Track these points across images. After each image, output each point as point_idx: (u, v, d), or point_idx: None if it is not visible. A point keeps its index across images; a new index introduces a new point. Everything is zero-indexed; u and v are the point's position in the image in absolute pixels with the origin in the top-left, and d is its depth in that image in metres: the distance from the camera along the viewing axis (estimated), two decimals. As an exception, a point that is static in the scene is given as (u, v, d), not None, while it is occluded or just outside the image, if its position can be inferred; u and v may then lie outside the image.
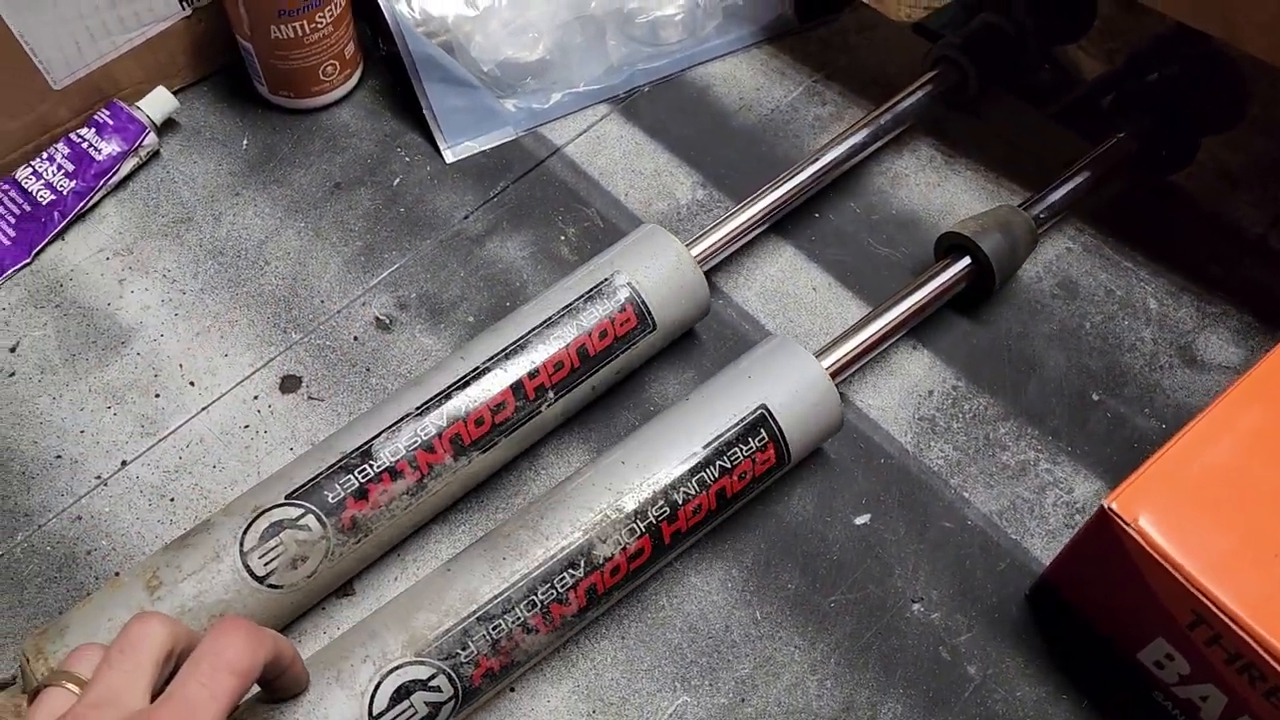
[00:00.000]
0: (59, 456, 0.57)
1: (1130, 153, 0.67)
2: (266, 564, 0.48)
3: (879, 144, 0.67)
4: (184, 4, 0.67)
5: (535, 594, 0.47)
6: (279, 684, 0.41)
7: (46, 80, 0.64)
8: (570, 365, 0.54)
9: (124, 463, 0.57)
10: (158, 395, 0.59)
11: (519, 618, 0.46)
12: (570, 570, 0.47)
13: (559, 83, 0.71)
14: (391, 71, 0.73)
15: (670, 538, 0.49)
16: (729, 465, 0.50)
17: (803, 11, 0.76)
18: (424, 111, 0.69)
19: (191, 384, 0.60)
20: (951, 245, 0.62)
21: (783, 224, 0.66)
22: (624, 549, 0.48)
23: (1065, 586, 0.51)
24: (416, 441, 0.51)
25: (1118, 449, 0.58)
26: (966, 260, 0.61)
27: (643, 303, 0.56)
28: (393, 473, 0.51)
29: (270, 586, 0.48)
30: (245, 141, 0.70)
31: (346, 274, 0.64)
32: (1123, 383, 0.61)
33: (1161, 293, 0.64)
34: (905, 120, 0.67)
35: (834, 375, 0.55)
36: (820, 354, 0.55)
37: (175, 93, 0.69)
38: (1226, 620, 0.42)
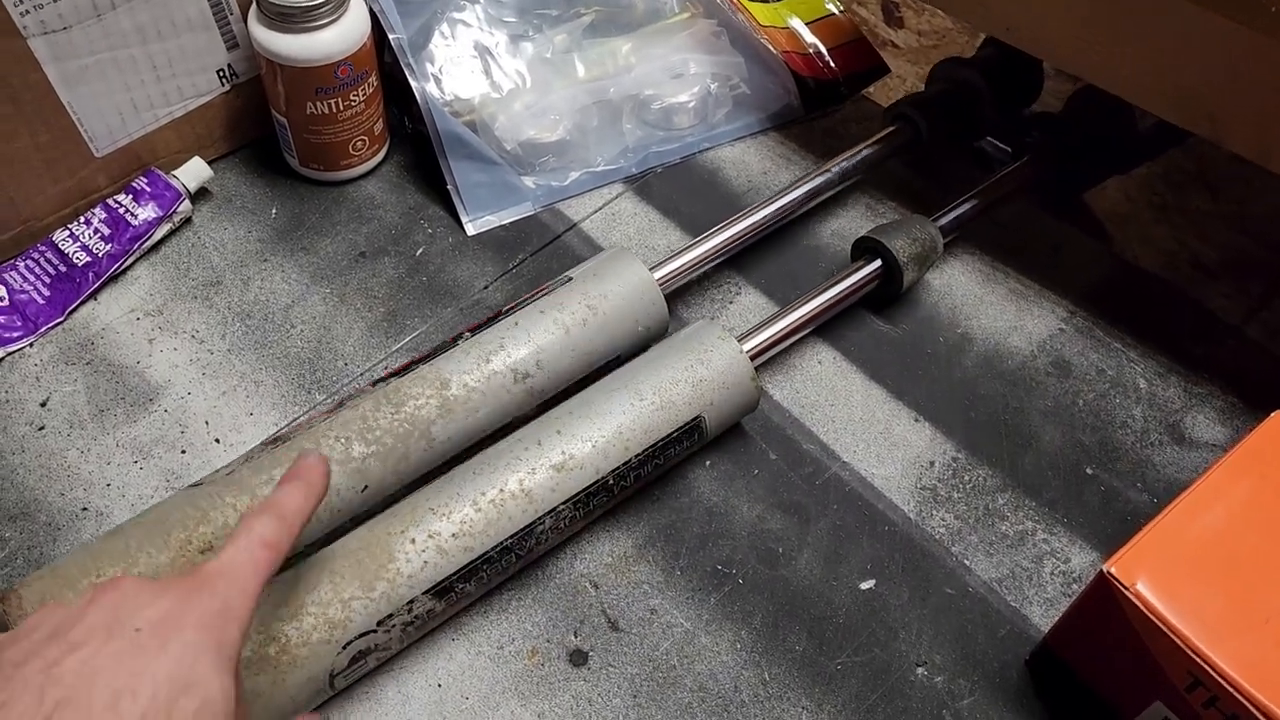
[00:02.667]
0: (85, 509, 0.59)
1: (1028, 176, 0.74)
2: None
3: (832, 191, 0.73)
4: (224, 81, 0.70)
5: None
6: None
7: (90, 148, 0.67)
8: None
9: (149, 516, 0.58)
10: (184, 451, 0.61)
11: None
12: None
13: (577, 162, 0.75)
14: (416, 148, 0.76)
15: None
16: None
17: (807, 102, 0.81)
18: (448, 186, 0.72)
19: (217, 440, 0.62)
20: (864, 249, 0.68)
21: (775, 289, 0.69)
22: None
23: (1065, 652, 0.53)
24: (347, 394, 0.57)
25: (1112, 521, 0.60)
26: (878, 262, 0.67)
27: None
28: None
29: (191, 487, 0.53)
30: (274, 210, 0.73)
31: (370, 338, 0.67)
32: (1115, 458, 0.63)
33: (1150, 373, 0.67)
34: (853, 175, 0.73)
35: (753, 359, 0.61)
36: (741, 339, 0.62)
37: (209, 163, 0.72)
38: (1223, 682, 0.43)
